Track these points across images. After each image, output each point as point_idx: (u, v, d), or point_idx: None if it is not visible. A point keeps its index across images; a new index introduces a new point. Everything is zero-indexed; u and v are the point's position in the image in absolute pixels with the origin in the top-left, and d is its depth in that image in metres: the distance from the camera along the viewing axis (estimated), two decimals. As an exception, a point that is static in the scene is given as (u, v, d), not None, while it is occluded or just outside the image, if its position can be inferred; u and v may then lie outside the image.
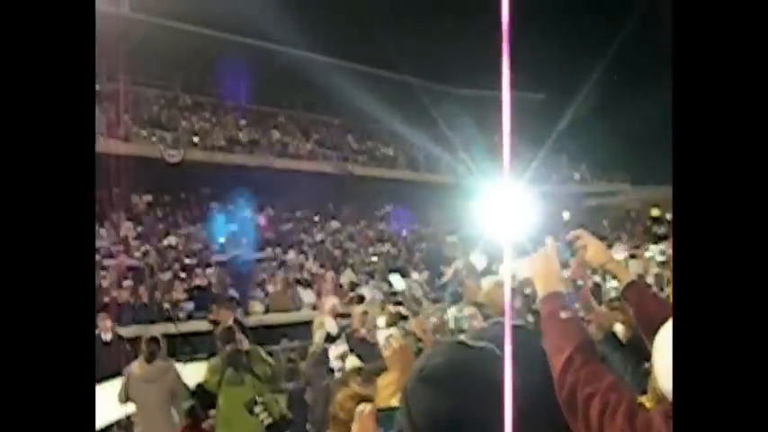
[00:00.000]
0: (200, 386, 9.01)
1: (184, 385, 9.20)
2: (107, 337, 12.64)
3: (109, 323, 12.89)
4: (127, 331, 15.41)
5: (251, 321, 18.57)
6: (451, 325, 6.42)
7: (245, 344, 9.07)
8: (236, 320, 14.62)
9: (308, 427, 9.92)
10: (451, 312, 7.02)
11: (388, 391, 3.16)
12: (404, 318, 7.58)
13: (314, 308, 16.60)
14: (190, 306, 20.03)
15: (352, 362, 7.17)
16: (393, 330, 6.01)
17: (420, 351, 4.93)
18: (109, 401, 9.61)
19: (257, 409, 8.28)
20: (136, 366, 8.99)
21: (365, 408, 2.58)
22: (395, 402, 2.73)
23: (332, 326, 8.98)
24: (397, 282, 14.14)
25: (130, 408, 9.21)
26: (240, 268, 21.68)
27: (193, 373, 9.85)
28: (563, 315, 2.36)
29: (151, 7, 29.68)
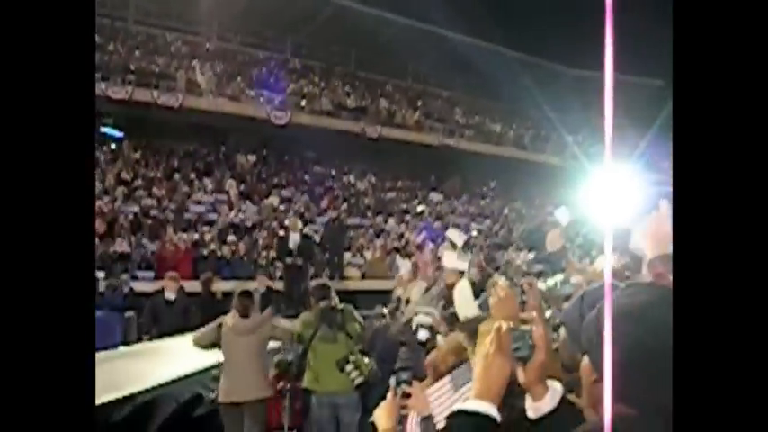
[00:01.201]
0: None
1: (286, 331, 9.18)
2: (170, 296, 12.87)
3: (174, 284, 13.05)
4: (227, 285, 15.61)
5: (349, 286, 18.60)
6: (559, 289, 6.28)
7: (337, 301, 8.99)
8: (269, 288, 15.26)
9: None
10: (558, 278, 6.86)
11: (489, 337, 2.99)
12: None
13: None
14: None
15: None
16: (500, 279, 5.89)
17: (524, 303, 4.80)
18: (181, 353, 9.74)
19: (348, 367, 8.25)
20: (229, 319, 8.88)
21: (502, 324, 2.44)
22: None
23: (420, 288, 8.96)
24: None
25: (218, 356, 9.21)
26: (337, 232, 21.64)
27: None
28: (670, 278, 2.27)
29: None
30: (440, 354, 4.26)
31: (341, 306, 8.90)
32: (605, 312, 1.84)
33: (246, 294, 9.16)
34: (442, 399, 3.33)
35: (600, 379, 1.91)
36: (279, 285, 17.47)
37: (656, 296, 2.02)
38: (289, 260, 15.89)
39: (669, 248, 2.49)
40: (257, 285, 15.53)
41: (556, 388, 2.53)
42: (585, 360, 2.44)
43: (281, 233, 18.50)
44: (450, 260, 8.80)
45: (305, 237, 15.61)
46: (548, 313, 5.54)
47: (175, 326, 12.16)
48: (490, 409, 2.37)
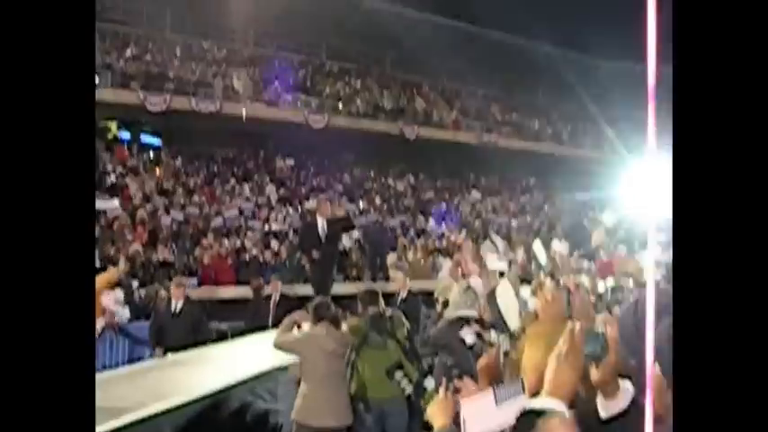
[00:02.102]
0: None
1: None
2: (178, 305, 12.24)
3: (180, 291, 12.38)
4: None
5: (391, 288, 18.59)
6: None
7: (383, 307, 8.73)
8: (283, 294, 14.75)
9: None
10: (609, 284, 6.82)
11: (540, 341, 2.97)
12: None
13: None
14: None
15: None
16: (547, 281, 5.84)
17: (570, 303, 4.77)
18: (226, 360, 9.68)
19: (398, 374, 8.16)
20: (318, 330, 8.13)
21: (575, 325, 2.49)
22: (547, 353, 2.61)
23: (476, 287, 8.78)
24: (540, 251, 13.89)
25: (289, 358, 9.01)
26: (379, 234, 21.64)
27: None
28: None
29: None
30: (488, 358, 4.23)
31: (390, 312, 8.70)
32: (647, 307, 1.85)
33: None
34: (479, 409, 3.30)
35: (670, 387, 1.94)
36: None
37: None
38: (315, 253, 13.51)
39: None
40: (270, 290, 15.18)
41: (628, 388, 2.53)
42: (657, 368, 2.45)
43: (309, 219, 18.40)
44: (492, 261, 8.80)
45: (339, 221, 13.62)
46: (598, 318, 5.50)
47: (183, 340, 11.47)
48: (561, 407, 2.38)
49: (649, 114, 1.67)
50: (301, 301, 15.45)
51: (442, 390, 4.34)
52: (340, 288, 17.28)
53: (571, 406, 2.39)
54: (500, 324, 6.88)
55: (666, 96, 2.17)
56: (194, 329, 11.88)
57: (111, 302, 12.56)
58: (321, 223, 13.15)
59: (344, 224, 13.89)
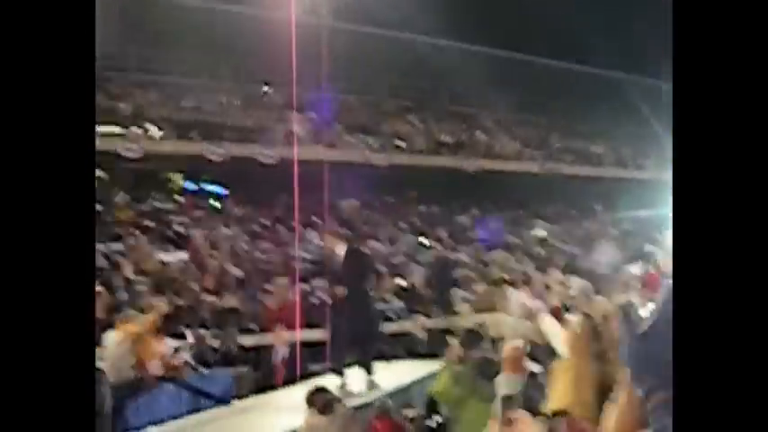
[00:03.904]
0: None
1: None
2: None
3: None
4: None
5: (462, 322, 18.48)
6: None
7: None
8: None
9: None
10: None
11: (566, 376, 2.95)
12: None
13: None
14: (398, 305, 20.13)
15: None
16: (572, 317, 5.75)
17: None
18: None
19: None
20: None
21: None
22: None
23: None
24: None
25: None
26: (443, 268, 21.51)
27: (398, 371, 9.65)
28: None
29: (352, 15, 30.24)
30: None
31: (497, 356, 7.72)
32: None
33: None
34: None
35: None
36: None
37: None
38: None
39: None
40: (273, 341, 14.78)
41: None
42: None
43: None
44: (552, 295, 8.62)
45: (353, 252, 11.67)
46: None
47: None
48: None
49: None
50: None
51: (498, 423, 4.31)
52: (408, 325, 17.26)
53: None
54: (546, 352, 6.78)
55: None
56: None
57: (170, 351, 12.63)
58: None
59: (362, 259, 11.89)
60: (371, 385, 10.85)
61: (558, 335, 6.93)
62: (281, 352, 12.87)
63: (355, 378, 10.85)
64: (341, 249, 11.18)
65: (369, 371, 10.91)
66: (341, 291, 10.85)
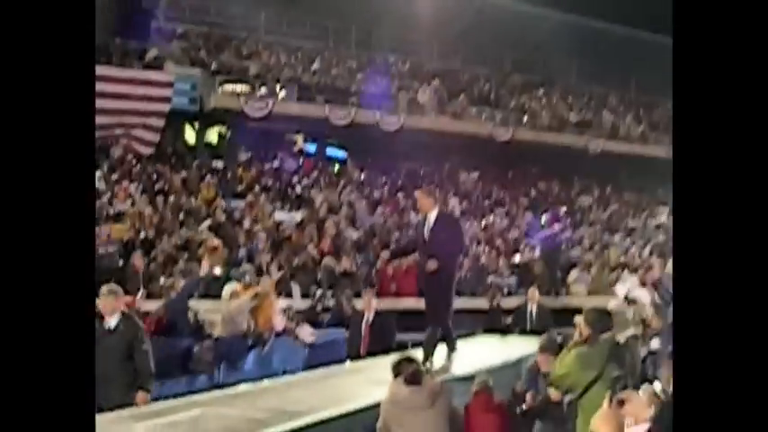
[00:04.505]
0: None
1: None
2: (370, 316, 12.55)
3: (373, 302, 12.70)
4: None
5: (574, 302, 18.25)
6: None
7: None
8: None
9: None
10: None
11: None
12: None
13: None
14: (512, 281, 20.01)
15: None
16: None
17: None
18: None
19: None
20: (394, 388, 7.33)
21: None
22: None
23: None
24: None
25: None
26: (556, 248, 21.22)
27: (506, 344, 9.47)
28: None
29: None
30: None
31: (624, 340, 7.58)
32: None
33: (409, 360, 7.65)
34: None
35: None
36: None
37: None
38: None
39: None
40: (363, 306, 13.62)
41: None
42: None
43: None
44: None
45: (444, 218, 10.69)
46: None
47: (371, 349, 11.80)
48: None
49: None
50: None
51: (606, 402, 4.20)
52: (519, 300, 17.10)
53: None
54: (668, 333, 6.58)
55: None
56: (383, 340, 12.12)
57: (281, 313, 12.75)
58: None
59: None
60: (450, 361, 10.26)
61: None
62: (368, 317, 12.60)
63: (438, 353, 10.17)
64: (432, 214, 9.97)
65: (451, 347, 10.37)
66: (430, 262, 9.69)
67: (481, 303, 17.45)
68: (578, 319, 7.23)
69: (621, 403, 4.22)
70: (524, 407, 8.41)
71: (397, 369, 7.46)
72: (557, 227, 20.94)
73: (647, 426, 4.01)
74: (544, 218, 21.92)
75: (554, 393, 7.72)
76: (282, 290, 14.95)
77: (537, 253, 21.00)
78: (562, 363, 7.14)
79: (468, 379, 9.22)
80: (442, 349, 10.14)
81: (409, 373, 7.21)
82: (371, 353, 11.56)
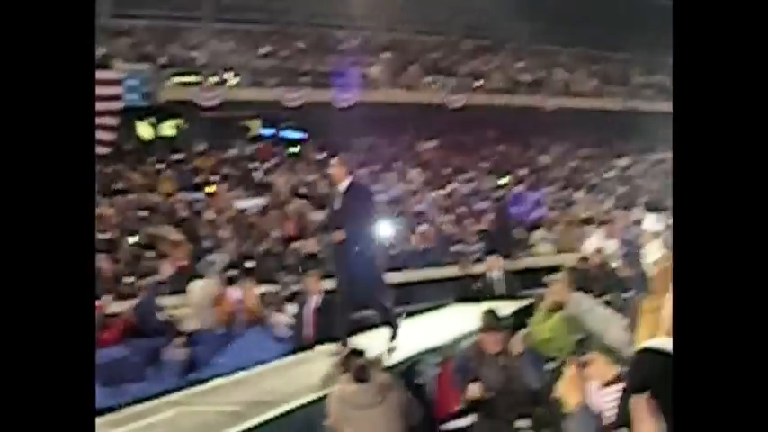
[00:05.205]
0: None
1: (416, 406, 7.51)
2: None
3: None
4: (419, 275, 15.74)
5: (541, 262, 18.36)
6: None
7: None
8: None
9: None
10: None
11: (653, 315, 2.88)
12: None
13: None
14: (478, 247, 20.03)
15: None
16: (661, 251, 5.62)
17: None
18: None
19: None
20: (341, 386, 7.15)
21: None
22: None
23: None
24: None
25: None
26: (521, 208, 21.35)
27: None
28: None
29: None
30: None
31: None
32: None
33: (358, 354, 7.46)
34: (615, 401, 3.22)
35: None
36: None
37: None
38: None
39: None
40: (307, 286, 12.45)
41: None
42: None
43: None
44: (650, 222, 8.41)
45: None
46: None
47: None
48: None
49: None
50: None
51: (572, 366, 4.23)
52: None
53: None
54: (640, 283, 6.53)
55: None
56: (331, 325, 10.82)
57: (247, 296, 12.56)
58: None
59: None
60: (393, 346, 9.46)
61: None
62: (315, 301, 11.58)
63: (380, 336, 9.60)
64: (344, 184, 9.35)
65: (393, 332, 9.55)
66: (338, 233, 9.14)
67: (450, 272, 17.40)
68: (552, 278, 7.10)
69: (584, 364, 4.22)
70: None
71: (344, 364, 7.33)
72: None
73: (617, 386, 4.00)
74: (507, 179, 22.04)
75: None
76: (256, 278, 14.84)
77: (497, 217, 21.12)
78: (544, 327, 7.01)
79: (439, 350, 9.30)
80: (384, 333, 9.57)
81: (356, 370, 7.02)
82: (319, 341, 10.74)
